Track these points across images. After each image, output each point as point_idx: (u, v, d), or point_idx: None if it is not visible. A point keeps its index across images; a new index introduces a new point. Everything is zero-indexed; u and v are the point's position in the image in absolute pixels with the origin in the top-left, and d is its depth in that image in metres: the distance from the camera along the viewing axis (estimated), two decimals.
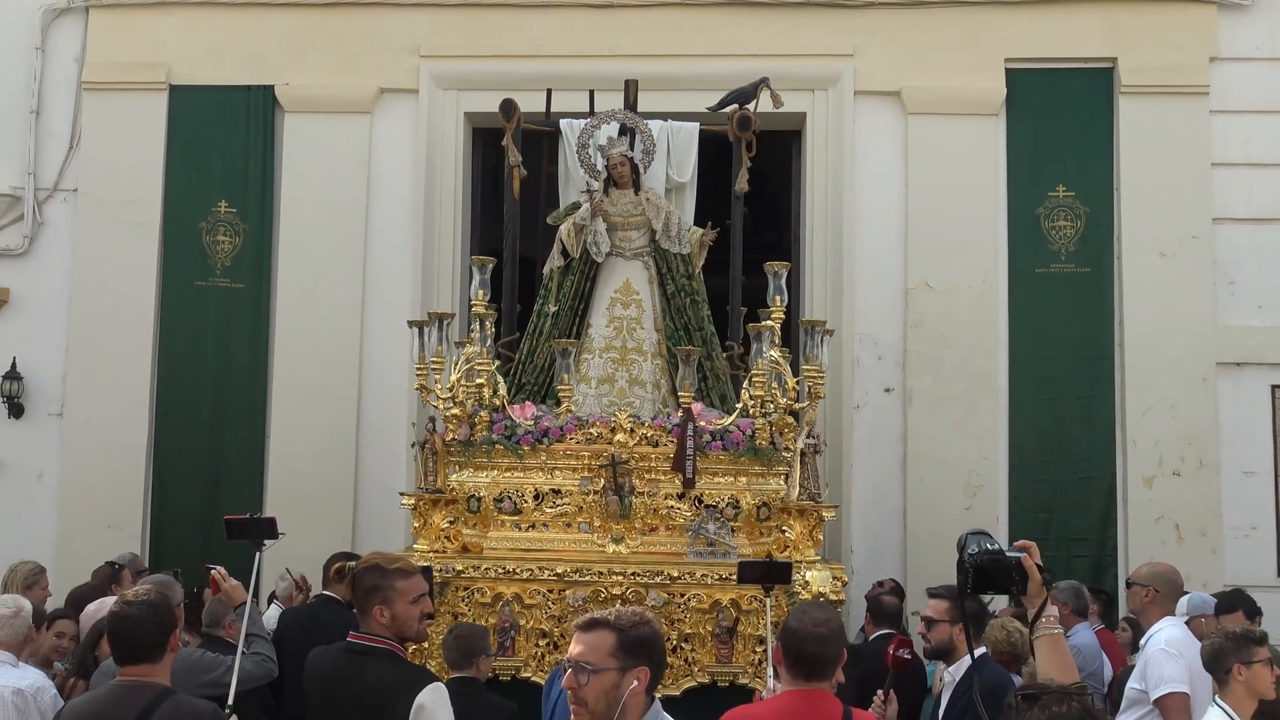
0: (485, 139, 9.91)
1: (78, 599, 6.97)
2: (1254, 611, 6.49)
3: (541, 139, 8.92)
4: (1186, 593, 6.33)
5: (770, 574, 6.03)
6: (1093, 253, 9.30)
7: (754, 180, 8.46)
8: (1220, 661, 4.70)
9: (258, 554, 5.82)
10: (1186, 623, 5.91)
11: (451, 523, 7.21)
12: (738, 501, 7.14)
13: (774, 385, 7.18)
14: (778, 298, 7.34)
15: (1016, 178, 9.37)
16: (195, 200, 9.57)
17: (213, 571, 5.90)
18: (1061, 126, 9.39)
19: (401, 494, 7.50)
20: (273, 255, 9.54)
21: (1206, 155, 9.26)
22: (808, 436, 7.15)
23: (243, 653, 5.45)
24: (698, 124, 8.81)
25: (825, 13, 9.46)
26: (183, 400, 9.42)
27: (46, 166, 9.66)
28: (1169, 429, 9.04)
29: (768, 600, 6.08)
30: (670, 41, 9.27)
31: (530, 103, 8.59)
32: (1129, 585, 6.02)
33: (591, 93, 8.42)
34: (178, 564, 8.34)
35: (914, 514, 9.08)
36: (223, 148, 9.62)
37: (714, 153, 8.98)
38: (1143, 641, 5.78)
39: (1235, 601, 6.50)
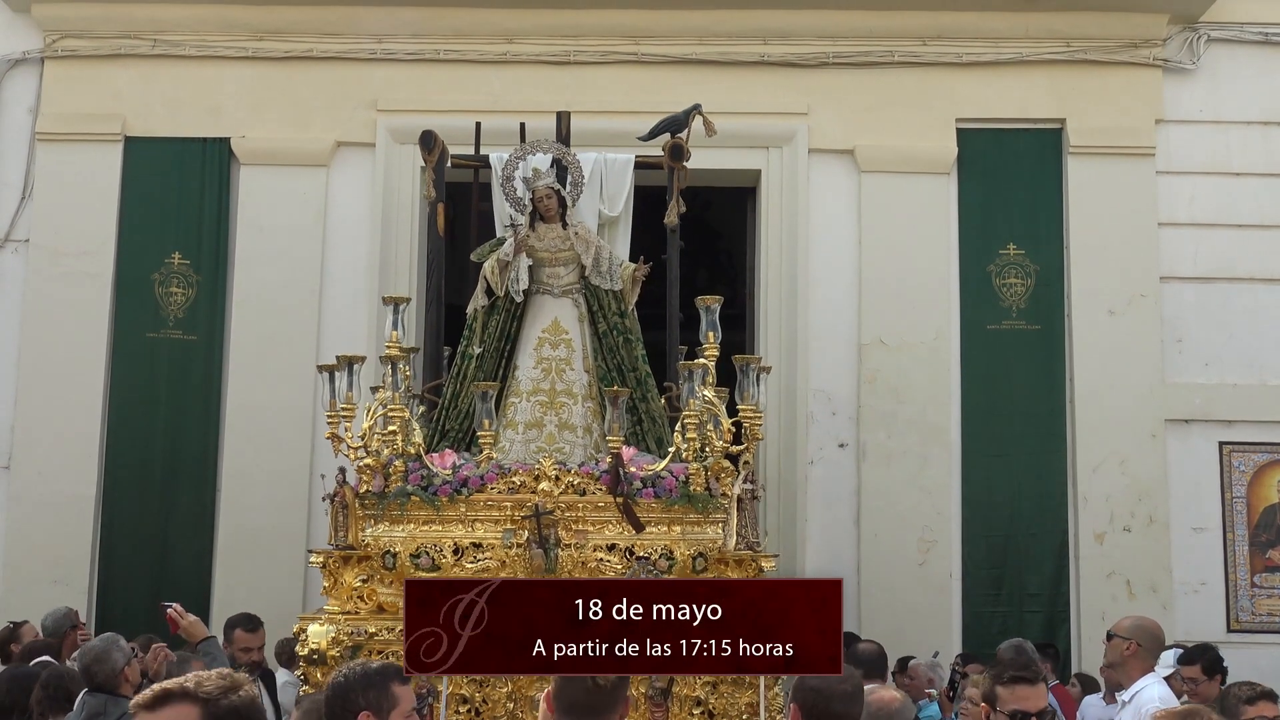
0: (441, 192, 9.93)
1: (27, 655, 6.84)
2: (1215, 669, 6.41)
3: (471, 184, 8.61)
4: (1169, 647, 6.32)
5: None
6: (1043, 310, 9.41)
7: (708, 237, 8.33)
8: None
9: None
10: (1165, 679, 5.90)
11: (365, 581, 6.69)
12: (671, 552, 6.64)
13: (709, 427, 6.81)
14: (710, 334, 6.94)
15: (968, 236, 9.49)
16: (148, 252, 9.50)
17: (169, 609, 5.71)
18: (1012, 186, 9.54)
19: (310, 551, 7.03)
20: (226, 308, 9.48)
21: (1153, 215, 9.43)
22: (745, 481, 6.74)
23: None
24: (632, 156, 8.54)
25: (780, 72, 9.57)
26: (133, 454, 9.30)
27: None
28: (1119, 485, 9.13)
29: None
30: (627, 98, 9.33)
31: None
32: (1109, 637, 5.94)
33: (523, 125, 8.24)
34: (125, 619, 8.21)
35: (867, 569, 9.09)
36: (177, 200, 9.56)
37: (655, 193, 8.65)
38: (1125, 697, 5.70)
39: (1195, 656, 6.51)
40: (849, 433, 9.31)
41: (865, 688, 4.16)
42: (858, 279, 9.42)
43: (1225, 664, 6.41)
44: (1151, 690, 5.55)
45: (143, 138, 9.59)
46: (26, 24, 9.65)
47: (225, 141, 9.57)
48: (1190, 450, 9.24)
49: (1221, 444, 9.26)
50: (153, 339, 9.43)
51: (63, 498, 9.14)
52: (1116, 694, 5.90)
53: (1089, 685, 7.82)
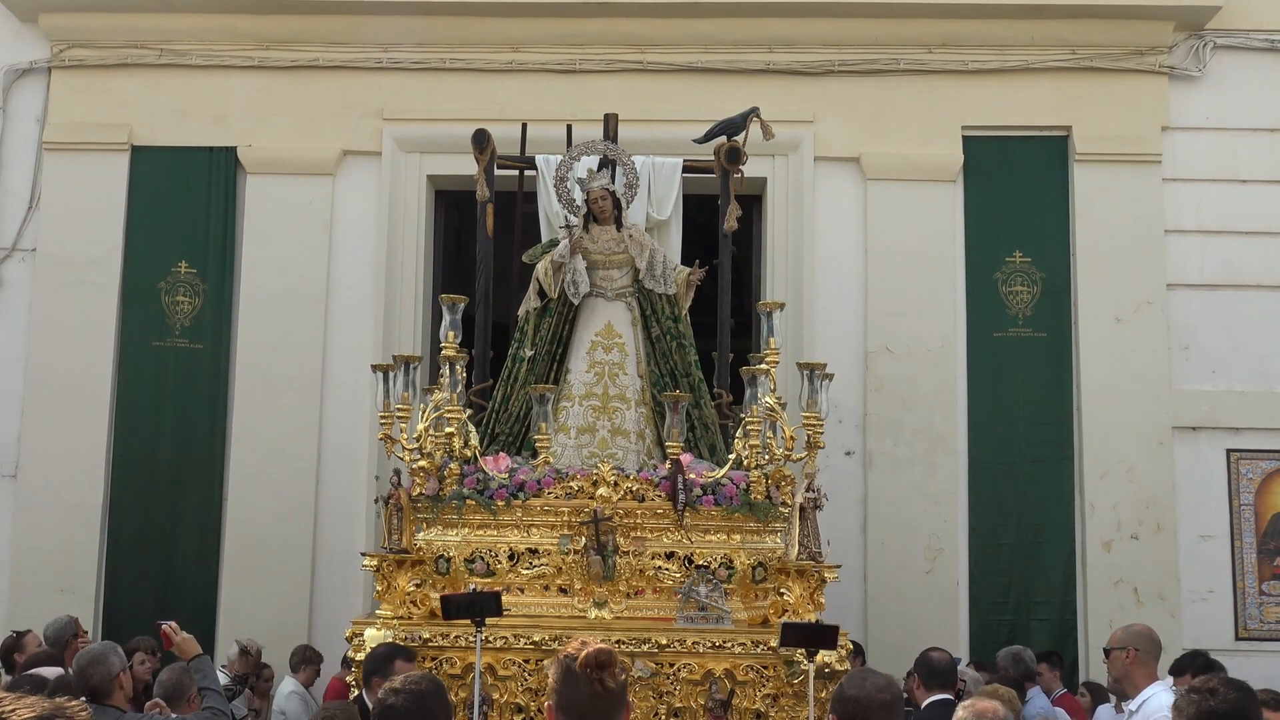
0: (448, 202, 9.95)
1: (29, 666, 6.83)
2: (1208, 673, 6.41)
3: (514, 194, 8.64)
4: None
5: (814, 638, 5.64)
6: (1050, 317, 9.40)
7: (715, 244, 8.30)
8: None
9: (479, 634, 5.55)
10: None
11: (418, 585, 6.57)
12: (731, 561, 6.58)
13: (770, 435, 6.72)
14: (772, 339, 6.87)
15: (974, 243, 9.49)
16: (155, 261, 9.52)
17: (164, 627, 5.75)
18: (1018, 193, 9.53)
19: (364, 554, 7.00)
20: (232, 316, 9.49)
21: (1160, 222, 9.41)
22: (807, 490, 6.60)
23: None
24: (681, 160, 8.57)
25: (786, 80, 9.58)
26: (139, 462, 9.31)
27: (5, 226, 9.61)
28: (1126, 492, 9.10)
29: (809, 665, 5.62)
30: (633, 106, 9.29)
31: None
32: (1106, 654, 5.91)
33: (569, 126, 8.27)
34: (131, 627, 8.20)
35: (874, 577, 9.07)
36: (184, 209, 9.58)
37: (700, 194, 8.81)
38: (1132, 706, 5.66)
39: (1185, 665, 6.48)
40: (855, 440, 9.30)
41: (949, 700, 4.07)
42: (864, 286, 9.42)
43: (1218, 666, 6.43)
44: (1159, 699, 5.49)
45: (149, 147, 9.61)
46: (34, 34, 9.69)
47: (231, 150, 9.59)
48: (1198, 458, 9.22)
49: (1229, 451, 9.23)
50: (159, 348, 9.44)
51: (69, 506, 9.15)
52: (1123, 704, 5.85)
53: (1098, 694, 7.79)
